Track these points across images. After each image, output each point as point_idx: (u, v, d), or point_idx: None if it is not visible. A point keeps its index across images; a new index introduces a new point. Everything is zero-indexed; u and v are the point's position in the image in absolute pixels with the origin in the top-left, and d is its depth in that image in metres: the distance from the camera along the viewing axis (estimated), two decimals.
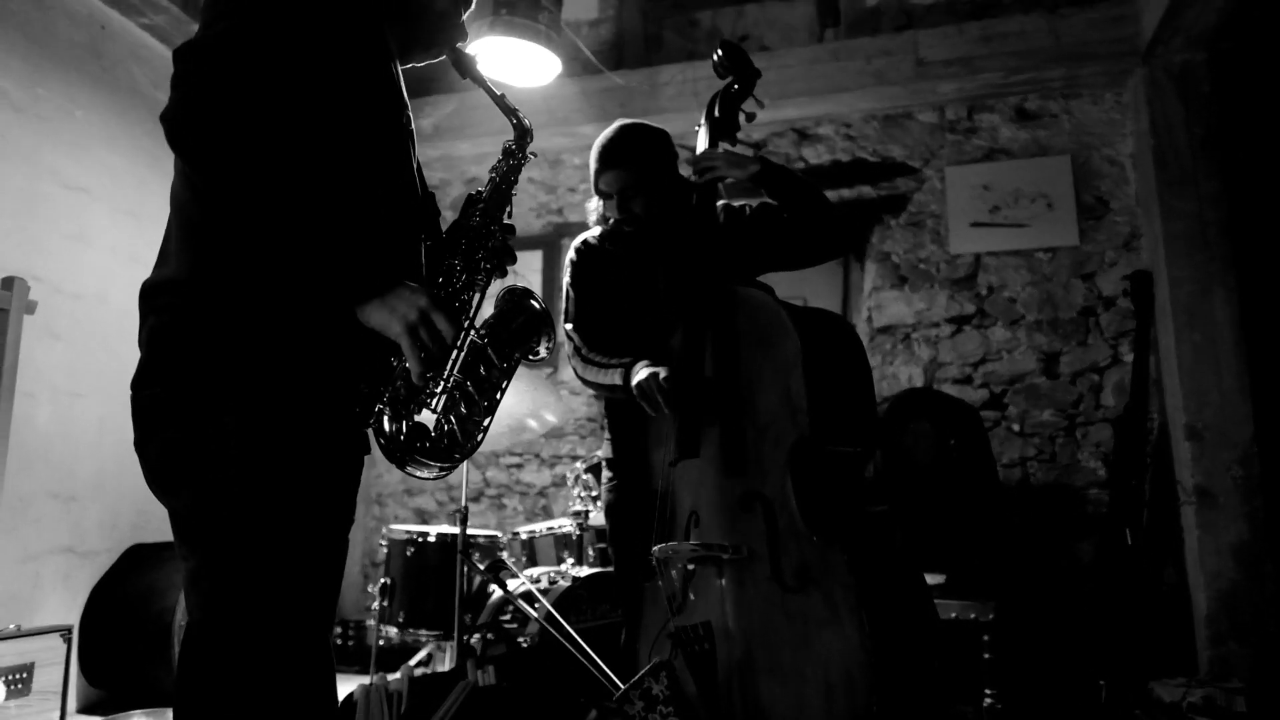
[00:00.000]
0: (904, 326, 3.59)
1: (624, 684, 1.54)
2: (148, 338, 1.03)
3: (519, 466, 4.04)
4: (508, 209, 1.22)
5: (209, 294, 1.01)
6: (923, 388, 3.47)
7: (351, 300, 1.01)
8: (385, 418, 1.04)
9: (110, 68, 3.10)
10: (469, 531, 2.58)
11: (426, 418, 1.07)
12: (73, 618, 2.80)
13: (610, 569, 2.61)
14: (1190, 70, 3.16)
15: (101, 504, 2.96)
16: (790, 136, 3.84)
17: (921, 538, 2.89)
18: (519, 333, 1.17)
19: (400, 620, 2.70)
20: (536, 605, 2.21)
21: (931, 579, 2.52)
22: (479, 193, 1.22)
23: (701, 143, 1.87)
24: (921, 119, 3.68)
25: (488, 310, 1.20)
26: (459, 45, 1.29)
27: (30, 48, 2.78)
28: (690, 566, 1.57)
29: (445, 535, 2.76)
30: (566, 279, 1.99)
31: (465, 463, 2.60)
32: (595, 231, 2.01)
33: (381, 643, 2.78)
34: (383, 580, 2.74)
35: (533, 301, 1.19)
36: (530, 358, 1.18)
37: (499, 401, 1.13)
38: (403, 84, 1.22)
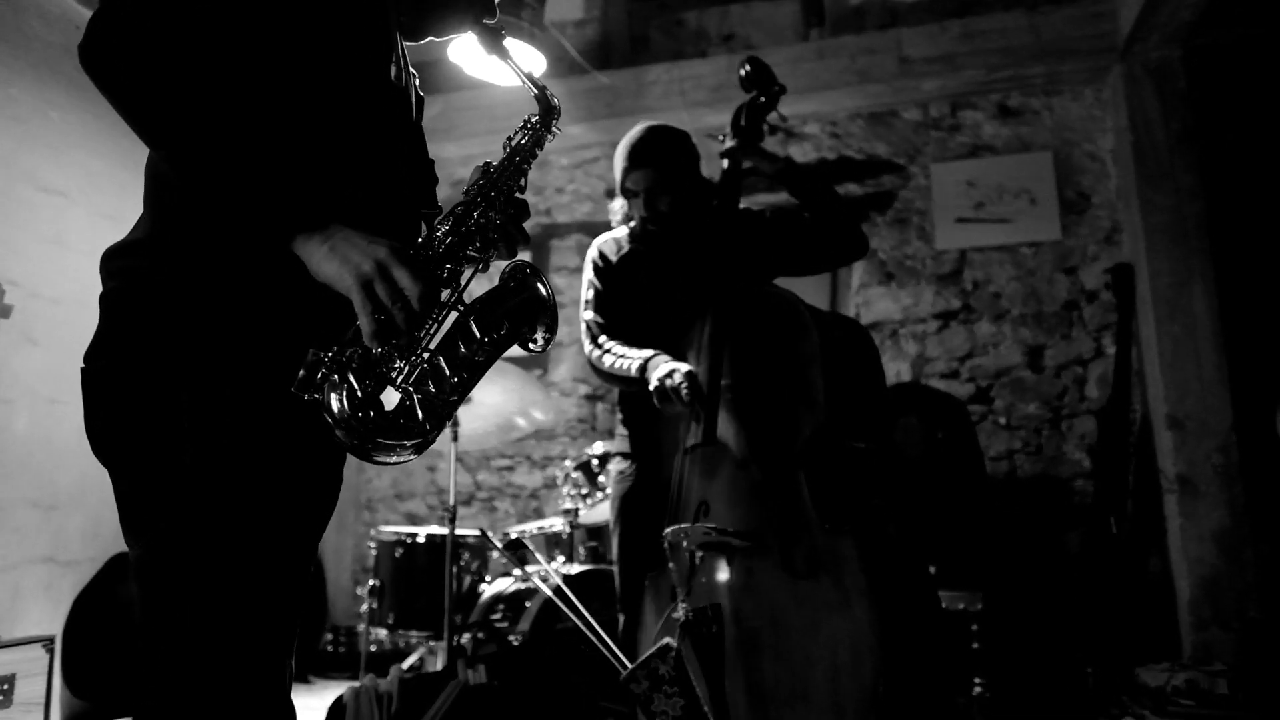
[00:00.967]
0: (891, 323, 3.61)
1: (631, 664, 1.55)
2: (102, 306, 0.97)
3: (510, 469, 4.02)
4: (521, 181, 1.08)
5: (164, 254, 0.93)
6: (910, 383, 3.50)
7: (279, 235, 0.88)
8: (333, 394, 0.87)
9: None
10: (458, 532, 2.57)
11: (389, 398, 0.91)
12: (55, 628, 2.75)
13: (600, 566, 2.62)
14: (1167, 66, 3.21)
15: (83, 513, 2.91)
16: (777, 135, 3.85)
17: (911, 530, 2.91)
18: (516, 311, 1.00)
19: (390, 621, 2.69)
20: (549, 584, 2.22)
21: None
22: (489, 164, 1.08)
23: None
24: (906, 116, 3.71)
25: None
26: (485, 20, 1.18)
27: (2, 48, 2.73)
28: (699, 553, 1.60)
29: (434, 536, 2.75)
30: (590, 273, 2.06)
31: (456, 466, 2.62)
32: (621, 231, 2.08)
33: (373, 648, 2.76)
34: (372, 582, 2.73)
35: (540, 285, 1.03)
36: (523, 346, 1.01)
37: (475, 381, 0.96)
38: (400, 43, 1.14)
